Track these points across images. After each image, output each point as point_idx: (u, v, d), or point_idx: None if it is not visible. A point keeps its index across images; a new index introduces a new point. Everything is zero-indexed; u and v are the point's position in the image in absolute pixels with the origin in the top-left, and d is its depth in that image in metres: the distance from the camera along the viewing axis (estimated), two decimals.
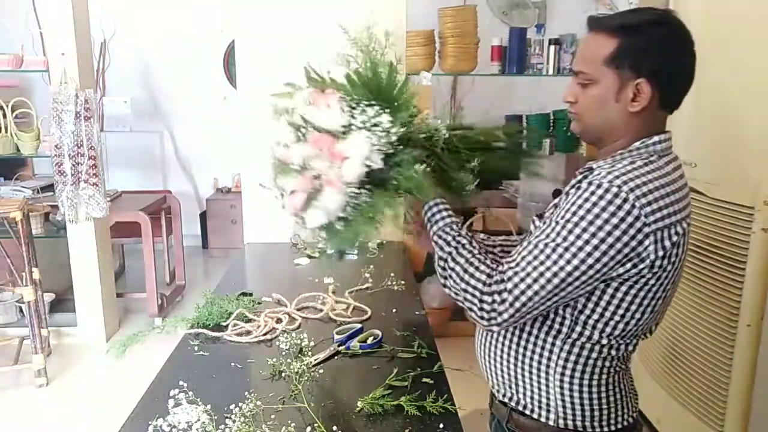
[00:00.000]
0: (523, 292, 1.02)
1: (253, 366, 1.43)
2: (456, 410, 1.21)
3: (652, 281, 1.04)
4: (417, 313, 1.75)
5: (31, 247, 3.14)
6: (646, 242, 0.99)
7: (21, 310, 3.56)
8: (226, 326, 1.62)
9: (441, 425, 1.16)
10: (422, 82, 3.27)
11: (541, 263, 1.01)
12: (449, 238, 1.12)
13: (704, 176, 1.89)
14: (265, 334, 1.57)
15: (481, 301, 1.05)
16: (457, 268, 1.09)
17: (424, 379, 1.34)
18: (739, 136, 1.77)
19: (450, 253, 1.11)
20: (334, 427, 1.13)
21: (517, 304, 1.02)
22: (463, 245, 1.11)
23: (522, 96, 4.83)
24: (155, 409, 1.17)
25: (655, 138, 1.08)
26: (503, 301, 1.03)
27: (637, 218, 0.98)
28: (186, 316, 1.67)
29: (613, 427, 1.17)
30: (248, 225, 2.67)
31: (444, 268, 1.12)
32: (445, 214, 1.14)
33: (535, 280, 1.01)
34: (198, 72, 5.35)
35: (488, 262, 1.08)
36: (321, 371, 1.38)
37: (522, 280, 1.02)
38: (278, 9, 2.51)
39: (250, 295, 1.82)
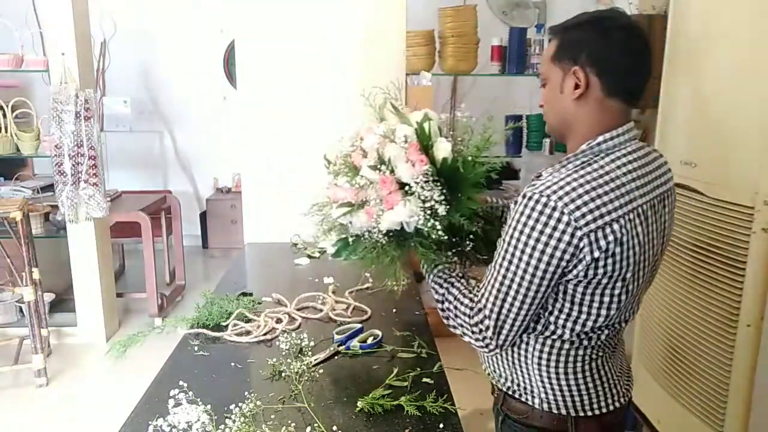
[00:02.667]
0: (498, 315, 1.13)
1: (253, 366, 1.43)
2: (456, 410, 1.21)
3: (603, 280, 1.09)
4: (417, 313, 1.75)
5: (31, 247, 3.14)
6: (581, 244, 1.05)
7: (21, 310, 3.56)
8: (226, 326, 1.62)
9: (441, 425, 1.16)
10: (422, 82, 3.28)
11: (500, 284, 1.12)
12: (441, 281, 1.25)
13: (704, 176, 1.89)
14: (265, 334, 1.57)
15: (472, 332, 1.17)
16: (450, 307, 1.21)
17: (424, 379, 1.34)
18: (739, 136, 1.77)
19: (443, 295, 1.23)
20: (334, 427, 1.13)
21: (498, 326, 1.13)
22: (452, 284, 1.23)
23: (522, 96, 4.83)
24: (155, 409, 1.17)
25: (600, 138, 1.13)
26: (487, 328, 1.14)
27: (567, 224, 1.04)
28: (186, 316, 1.67)
29: (597, 412, 1.21)
30: (248, 225, 2.68)
31: (443, 309, 1.23)
32: (434, 267, 1.27)
33: (503, 301, 1.12)
34: (198, 72, 5.35)
35: (471, 295, 1.20)
36: (321, 371, 1.38)
37: (493, 303, 1.13)
38: (278, 9, 2.51)
39: (250, 295, 1.82)
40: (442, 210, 1.20)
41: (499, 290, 1.12)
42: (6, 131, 3.37)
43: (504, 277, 1.11)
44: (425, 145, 1.25)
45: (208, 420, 1.10)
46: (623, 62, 1.12)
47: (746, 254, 1.70)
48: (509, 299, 1.11)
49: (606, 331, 1.17)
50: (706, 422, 1.86)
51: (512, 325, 1.13)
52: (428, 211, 1.20)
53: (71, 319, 3.62)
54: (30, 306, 3.04)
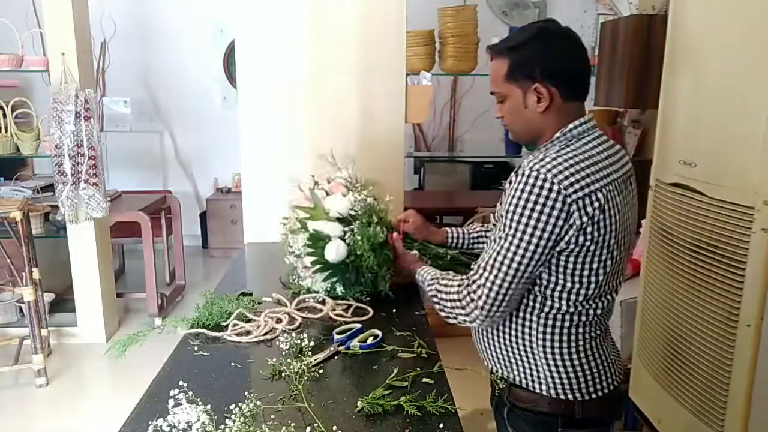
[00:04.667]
0: (492, 284, 1.22)
1: (253, 366, 1.43)
2: (456, 410, 1.21)
3: (591, 247, 1.21)
4: (417, 313, 1.75)
5: (31, 247, 3.14)
6: (571, 210, 1.17)
7: (21, 310, 3.56)
8: (226, 326, 1.61)
9: (441, 425, 1.16)
10: (422, 82, 3.27)
11: (498, 253, 1.22)
12: (432, 283, 1.41)
13: (704, 176, 1.89)
14: (265, 334, 1.57)
15: (459, 301, 1.27)
16: (442, 294, 1.34)
17: (424, 379, 1.34)
18: (739, 136, 1.77)
19: (435, 294, 1.37)
20: (334, 427, 1.13)
21: (490, 295, 1.22)
22: (440, 281, 1.38)
23: None
24: (155, 409, 1.17)
25: (570, 126, 1.27)
26: (479, 297, 1.23)
27: (558, 193, 1.16)
28: (186, 316, 1.66)
29: (600, 393, 1.31)
30: (248, 225, 2.67)
31: (439, 305, 1.35)
32: (425, 274, 1.48)
33: (499, 270, 1.21)
34: (198, 72, 5.35)
35: (460, 276, 1.32)
36: (321, 371, 1.38)
37: (489, 272, 1.23)
38: (278, 9, 2.51)
39: (250, 295, 1.82)
40: (339, 290, 1.77)
41: (495, 259, 1.22)
42: (6, 131, 3.37)
43: (501, 246, 1.21)
44: (316, 248, 1.70)
45: (208, 420, 1.10)
46: (572, 68, 1.26)
47: (746, 254, 1.70)
48: (504, 267, 1.20)
49: (599, 303, 1.29)
50: (706, 422, 1.86)
51: (504, 295, 1.22)
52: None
53: (71, 319, 3.62)
54: (30, 306, 3.05)
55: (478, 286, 1.24)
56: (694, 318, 1.92)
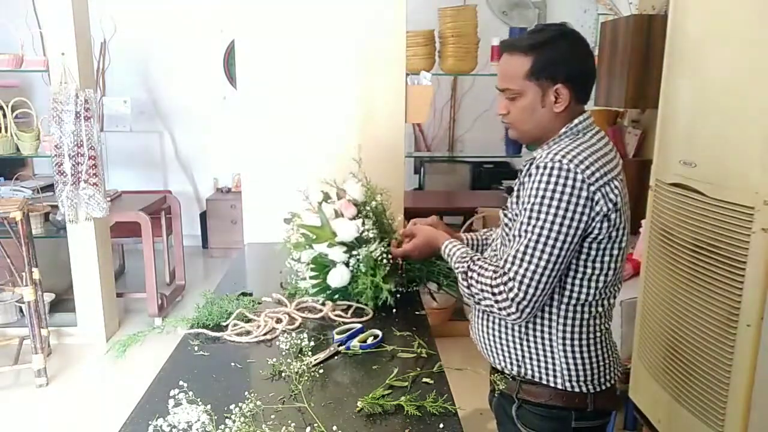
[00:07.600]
0: (522, 278, 1.20)
1: (253, 366, 1.43)
2: (456, 410, 1.21)
3: (613, 233, 1.24)
4: (417, 313, 1.75)
5: (31, 247, 3.14)
6: (596, 198, 1.20)
7: (21, 310, 3.56)
8: (226, 326, 1.62)
9: (441, 425, 1.16)
10: (422, 82, 3.28)
11: (526, 247, 1.21)
12: (464, 261, 1.35)
13: (704, 176, 1.88)
14: (265, 334, 1.57)
15: (493, 293, 1.24)
16: (474, 276, 1.30)
17: (424, 379, 1.34)
18: (739, 136, 1.76)
19: (466, 270, 1.32)
20: (334, 427, 1.13)
21: (524, 290, 1.20)
22: (474, 260, 1.33)
23: None
24: (155, 409, 1.17)
25: (576, 121, 1.30)
26: (510, 289, 1.21)
27: (583, 181, 1.19)
28: (186, 316, 1.67)
29: (608, 384, 1.35)
30: (248, 225, 2.67)
31: (467, 282, 1.32)
32: (454, 249, 1.42)
33: (529, 263, 1.20)
34: (198, 72, 5.35)
35: (493, 262, 1.29)
36: (321, 371, 1.38)
37: (519, 266, 1.21)
38: (278, 9, 2.51)
39: (250, 295, 1.82)
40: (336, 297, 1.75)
41: (525, 253, 1.20)
42: (6, 131, 3.37)
43: (530, 240, 1.20)
44: (319, 271, 1.73)
45: (208, 420, 1.10)
46: (589, 71, 1.31)
47: (746, 254, 1.70)
48: (535, 260, 1.19)
49: (613, 292, 1.32)
50: (706, 422, 1.86)
51: (536, 288, 1.20)
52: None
53: (71, 319, 3.62)
54: (30, 306, 3.05)
55: (509, 279, 1.21)
56: (694, 318, 1.92)
